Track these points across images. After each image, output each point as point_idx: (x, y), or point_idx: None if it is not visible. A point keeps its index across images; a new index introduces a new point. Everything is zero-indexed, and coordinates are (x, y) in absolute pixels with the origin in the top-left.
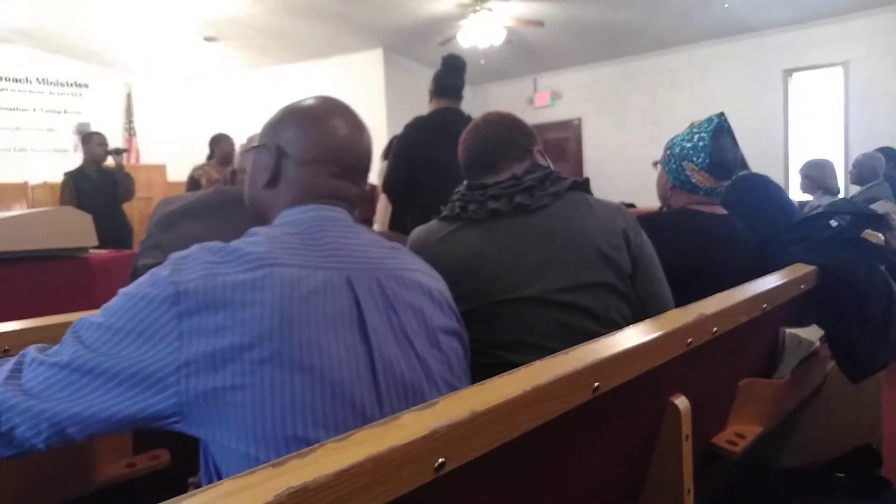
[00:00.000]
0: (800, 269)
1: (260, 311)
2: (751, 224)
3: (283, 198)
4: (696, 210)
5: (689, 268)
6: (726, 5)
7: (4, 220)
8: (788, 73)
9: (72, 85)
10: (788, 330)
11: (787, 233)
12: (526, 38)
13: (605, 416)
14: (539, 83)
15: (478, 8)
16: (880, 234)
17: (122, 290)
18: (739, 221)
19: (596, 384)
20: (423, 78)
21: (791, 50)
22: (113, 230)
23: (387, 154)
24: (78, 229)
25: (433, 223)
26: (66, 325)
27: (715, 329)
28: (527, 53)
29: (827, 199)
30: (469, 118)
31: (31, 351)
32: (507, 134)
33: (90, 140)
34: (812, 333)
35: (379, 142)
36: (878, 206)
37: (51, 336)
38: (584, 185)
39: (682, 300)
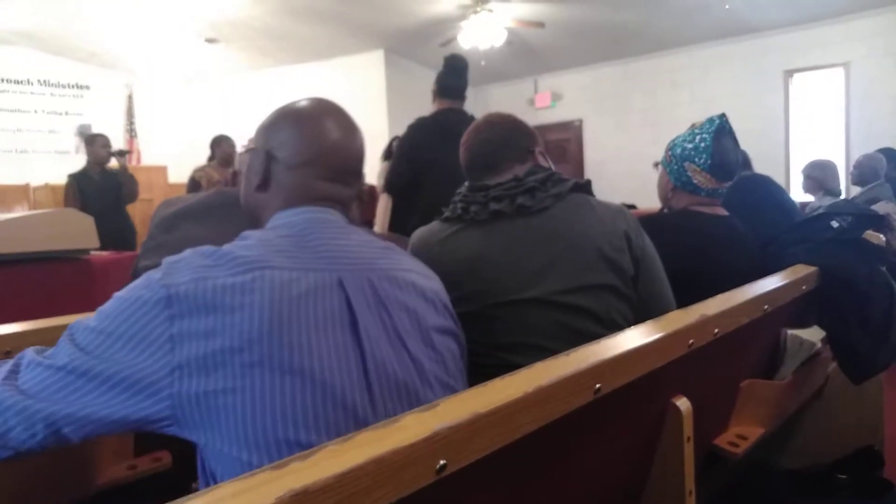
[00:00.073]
0: (801, 270)
1: (250, 314)
2: (752, 225)
3: (275, 200)
4: (697, 211)
5: (690, 268)
6: (727, 6)
7: (6, 221)
8: (789, 73)
9: (73, 86)
10: (790, 331)
11: (789, 234)
12: (526, 39)
13: (607, 418)
14: (540, 84)
15: (478, 9)
16: (881, 235)
17: (116, 294)
18: (741, 222)
19: (597, 385)
20: (424, 79)
21: (792, 51)
22: (117, 231)
23: (387, 155)
24: (79, 231)
25: (434, 224)
26: (66, 327)
27: (716, 330)
28: (527, 54)
29: (828, 200)
30: (472, 118)
31: (29, 353)
32: (509, 135)
33: (94, 142)
34: (813, 335)
35: (380, 143)
36: (879, 207)
37: (52, 338)
38: (585, 187)
39: (683, 301)
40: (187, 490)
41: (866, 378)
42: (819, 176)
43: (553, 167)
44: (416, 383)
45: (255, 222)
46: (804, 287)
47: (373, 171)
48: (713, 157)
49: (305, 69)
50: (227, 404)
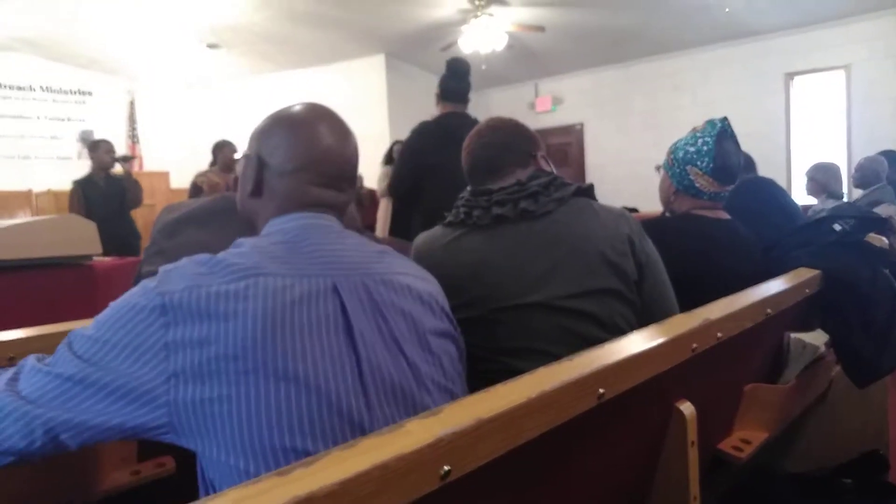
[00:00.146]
0: (804, 274)
1: (243, 321)
2: (755, 227)
3: (268, 207)
4: (699, 215)
5: (692, 272)
6: (727, 9)
7: (9, 228)
8: (790, 76)
9: (75, 93)
10: (793, 335)
11: (791, 237)
12: (527, 43)
13: (611, 423)
14: (540, 88)
15: (479, 14)
16: (884, 238)
17: (112, 303)
18: (744, 225)
19: (601, 390)
20: (425, 83)
21: (792, 53)
22: (122, 237)
23: (388, 159)
24: (82, 237)
25: (437, 229)
26: (69, 333)
27: (719, 334)
28: (528, 58)
29: (831, 203)
30: (475, 122)
31: (31, 360)
32: (511, 139)
33: (98, 148)
34: (817, 338)
35: (381, 147)
36: (882, 210)
37: (55, 344)
38: (588, 191)
39: (685, 304)
40: (191, 496)
41: (870, 382)
42: (822, 179)
43: (555, 171)
44: (412, 387)
45: (252, 227)
46: (807, 290)
47: (374, 175)
48: (715, 160)
49: (307, 74)
50: (222, 412)
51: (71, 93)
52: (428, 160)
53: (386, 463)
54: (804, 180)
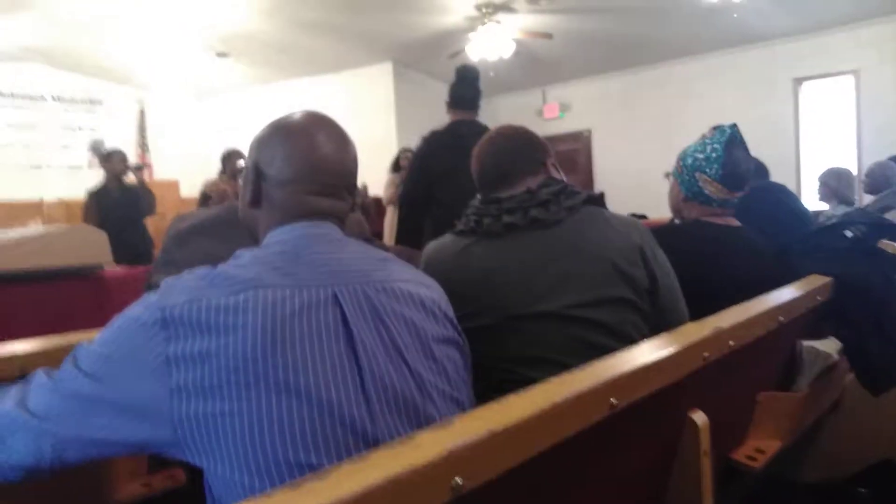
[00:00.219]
0: (815, 281)
1: (243, 335)
2: (766, 233)
3: (268, 217)
4: (709, 222)
5: (702, 278)
6: (735, 15)
7: (20, 239)
8: (798, 81)
9: (86, 102)
10: (805, 342)
11: (802, 243)
12: (534, 50)
13: (623, 433)
14: (548, 95)
15: (486, 21)
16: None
17: (115, 317)
18: (755, 231)
19: (613, 400)
20: (433, 90)
21: (801, 59)
22: (136, 245)
23: (395, 166)
24: (93, 246)
25: (447, 237)
26: (79, 344)
27: (731, 343)
28: (535, 65)
29: (842, 209)
30: (485, 129)
31: (39, 374)
32: (521, 147)
33: (111, 157)
34: (829, 346)
35: (389, 154)
36: (892, 216)
37: (66, 355)
38: (599, 200)
39: (695, 311)
40: None
41: (885, 389)
42: (833, 184)
43: (565, 179)
44: (415, 396)
45: (255, 237)
46: (819, 298)
47: (383, 182)
48: (724, 166)
49: (315, 82)
50: (225, 427)
51: (81, 102)
52: (438, 168)
53: (398, 476)
54: (815, 185)
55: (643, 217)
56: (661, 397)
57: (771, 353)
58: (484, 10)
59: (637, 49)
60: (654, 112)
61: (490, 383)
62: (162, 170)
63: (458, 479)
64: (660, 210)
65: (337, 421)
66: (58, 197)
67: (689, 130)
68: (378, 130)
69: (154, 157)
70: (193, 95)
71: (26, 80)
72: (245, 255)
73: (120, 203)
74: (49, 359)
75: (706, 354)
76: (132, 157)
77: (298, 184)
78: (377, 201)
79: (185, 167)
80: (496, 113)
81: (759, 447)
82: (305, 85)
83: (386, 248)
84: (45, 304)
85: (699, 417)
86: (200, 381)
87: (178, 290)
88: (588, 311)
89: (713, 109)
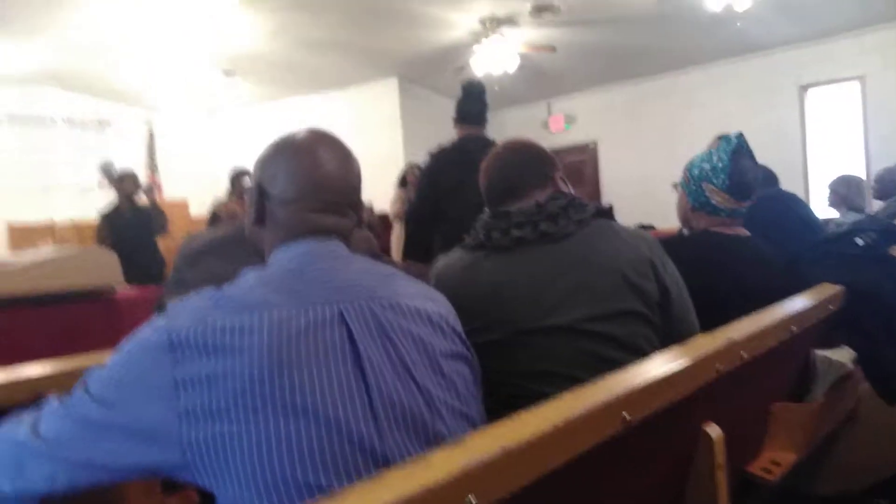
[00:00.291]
0: (827, 290)
1: (249, 356)
2: (776, 241)
3: (272, 235)
4: (717, 232)
5: (710, 286)
6: (738, 24)
7: (32, 263)
8: (804, 88)
9: (95, 123)
10: (818, 352)
11: (813, 251)
12: (538, 63)
13: (636, 448)
14: (553, 107)
15: (490, 35)
16: None
17: (124, 341)
18: (765, 240)
19: (626, 415)
20: (438, 105)
21: (806, 65)
22: (149, 265)
23: (402, 181)
24: (104, 268)
25: (456, 252)
26: (92, 366)
27: (744, 354)
28: (540, 78)
29: (852, 216)
30: (492, 143)
31: (51, 401)
32: (529, 161)
33: (123, 179)
34: (843, 355)
35: (395, 170)
36: None
37: (79, 378)
38: (607, 213)
39: (703, 319)
40: None
41: None
42: (843, 192)
43: (573, 192)
44: (423, 413)
45: (262, 255)
46: (831, 307)
47: (389, 197)
48: (731, 176)
49: (322, 99)
50: (234, 449)
51: (91, 124)
52: (445, 183)
53: (412, 496)
54: (824, 192)
55: (651, 227)
56: (674, 411)
57: (784, 363)
58: (488, 25)
59: (640, 60)
60: (660, 122)
61: (500, 398)
62: (171, 190)
63: (472, 498)
64: (667, 220)
65: (345, 439)
66: (69, 218)
67: (694, 140)
68: (384, 146)
69: (163, 177)
70: (201, 115)
71: (37, 103)
72: (250, 276)
73: (132, 224)
74: (62, 381)
75: (719, 366)
76: (142, 178)
77: (302, 202)
78: (383, 217)
79: (194, 187)
80: (502, 126)
81: (775, 459)
82: (312, 102)
83: (394, 264)
84: (58, 326)
85: (713, 430)
86: (208, 404)
87: (185, 312)
88: (599, 325)
89: (718, 118)
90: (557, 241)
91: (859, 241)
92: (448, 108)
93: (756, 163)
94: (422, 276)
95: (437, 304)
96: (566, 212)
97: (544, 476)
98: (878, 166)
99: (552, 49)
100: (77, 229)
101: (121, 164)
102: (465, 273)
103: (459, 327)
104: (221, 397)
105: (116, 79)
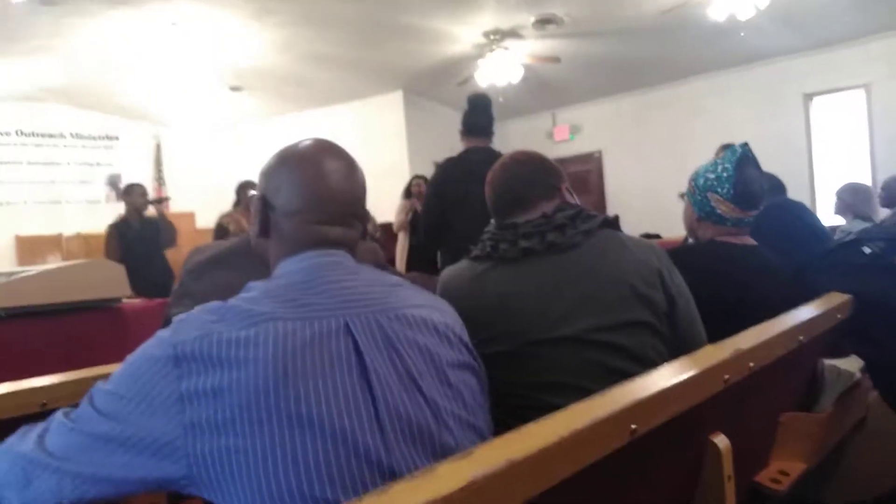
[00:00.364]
0: (835, 299)
1: (255, 369)
2: (783, 250)
3: (278, 247)
4: (723, 241)
5: (716, 295)
6: (742, 34)
7: (38, 274)
8: (809, 97)
9: (103, 138)
10: (827, 361)
11: (820, 260)
12: (543, 74)
13: (644, 459)
14: (558, 117)
15: (494, 48)
16: None
17: (129, 355)
18: (771, 249)
19: (633, 426)
20: (443, 118)
21: (811, 74)
22: (157, 277)
23: (407, 193)
24: (111, 280)
25: (464, 263)
26: (101, 377)
27: (752, 364)
28: (544, 89)
29: (858, 224)
30: (498, 155)
31: (58, 415)
32: (536, 172)
33: (132, 191)
34: (851, 364)
35: (401, 182)
36: None
37: (86, 389)
38: (614, 223)
39: (710, 328)
40: None
41: None
42: (849, 199)
43: (579, 203)
44: (430, 424)
45: (267, 266)
46: (839, 315)
47: (391, 208)
48: (736, 186)
49: (327, 112)
50: (240, 462)
51: (99, 138)
52: (452, 195)
53: None
54: (830, 200)
55: (656, 236)
56: (682, 422)
57: (792, 373)
58: (492, 38)
59: (644, 70)
60: (664, 131)
61: (507, 409)
62: (178, 202)
63: None
64: (673, 229)
65: (351, 452)
66: (76, 231)
67: (699, 149)
68: (390, 158)
69: (170, 190)
70: (208, 129)
71: (46, 119)
72: (255, 288)
73: (141, 236)
74: (70, 393)
75: (727, 377)
76: (149, 191)
77: (306, 213)
78: (387, 227)
79: (200, 199)
80: (507, 137)
81: (783, 469)
82: (318, 116)
83: (401, 275)
84: (66, 337)
85: (721, 441)
86: (214, 417)
87: (190, 325)
88: (606, 335)
89: (723, 127)
90: (565, 251)
91: (867, 250)
92: (453, 118)
93: (762, 172)
94: (427, 288)
95: (443, 314)
96: (573, 222)
97: (552, 488)
98: (884, 174)
99: (556, 60)
100: (85, 242)
101: (128, 178)
102: (472, 284)
103: (466, 337)
104: (227, 410)
105: (124, 95)
